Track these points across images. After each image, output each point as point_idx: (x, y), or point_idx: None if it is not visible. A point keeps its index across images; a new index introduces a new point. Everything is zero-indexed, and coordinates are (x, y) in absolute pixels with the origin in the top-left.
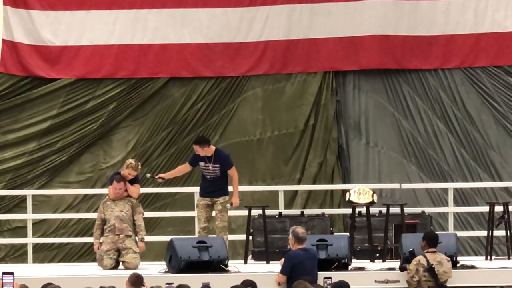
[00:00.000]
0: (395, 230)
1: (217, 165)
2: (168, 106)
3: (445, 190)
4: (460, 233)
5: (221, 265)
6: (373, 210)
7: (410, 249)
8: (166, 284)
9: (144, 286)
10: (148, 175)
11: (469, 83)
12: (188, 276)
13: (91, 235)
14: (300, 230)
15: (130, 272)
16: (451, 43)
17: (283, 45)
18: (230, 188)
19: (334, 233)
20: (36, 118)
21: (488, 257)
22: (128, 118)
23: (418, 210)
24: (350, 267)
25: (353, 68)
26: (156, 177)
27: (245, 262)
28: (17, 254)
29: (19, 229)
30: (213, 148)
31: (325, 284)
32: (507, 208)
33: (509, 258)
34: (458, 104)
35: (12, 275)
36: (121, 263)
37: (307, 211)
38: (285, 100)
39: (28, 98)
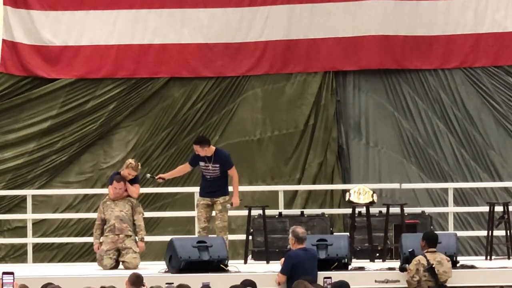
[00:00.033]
0: (395, 230)
1: (217, 165)
2: (168, 106)
3: (445, 190)
4: (460, 233)
5: (221, 265)
6: (373, 210)
7: (410, 250)
8: (166, 284)
9: (144, 286)
10: (148, 175)
11: (469, 83)
12: (188, 276)
13: (91, 235)
14: (300, 230)
15: (130, 272)
16: (451, 43)
17: (283, 45)
18: (230, 188)
19: (334, 233)
20: (36, 118)
21: (488, 257)
22: (128, 118)
23: (418, 210)
24: (350, 267)
25: (353, 68)
26: (156, 177)
27: (245, 262)
28: (17, 254)
29: (19, 229)
30: (213, 148)
31: (325, 284)
32: (507, 208)
33: (509, 258)
34: (458, 104)
35: (12, 275)
36: (121, 263)
37: (307, 211)
38: (285, 100)
39: (28, 98)
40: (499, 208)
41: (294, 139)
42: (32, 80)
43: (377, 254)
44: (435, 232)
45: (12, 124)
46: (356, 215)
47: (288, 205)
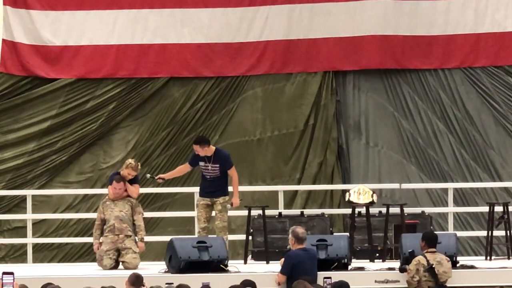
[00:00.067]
0: (395, 230)
1: (217, 165)
2: (168, 106)
3: (445, 190)
4: (460, 233)
5: (221, 265)
6: (373, 210)
7: (410, 250)
8: (166, 284)
9: (144, 286)
10: (148, 175)
11: (469, 83)
12: (188, 276)
13: (91, 235)
14: (300, 230)
15: (130, 272)
16: (451, 43)
17: (283, 45)
18: (230, 188)
19: (334, 233)
20: (36, 118)
21: (488, 257)
22: (128, 118)
23: (418, 210)
24: (350, 267)
25: (353, 68)
26: (156, 177)
27: (245, 262)
28: (17, 254)
29: (19, 229)
30: (213, 148)
31: (325, 284)
32: (507, 208)
33: (509, 258)
34: (458, 104)
35: (12, 275)
36: (121, 263)
37: (307, 211)
38: (285, 100)
39: (28, 98)
40: (499, 208)
41: (294, 139)
42: (32, 80)
43: (377, 254)
44: (435, 232)
45: (12, 124)
46: (356, 215)
47: (288, 205)
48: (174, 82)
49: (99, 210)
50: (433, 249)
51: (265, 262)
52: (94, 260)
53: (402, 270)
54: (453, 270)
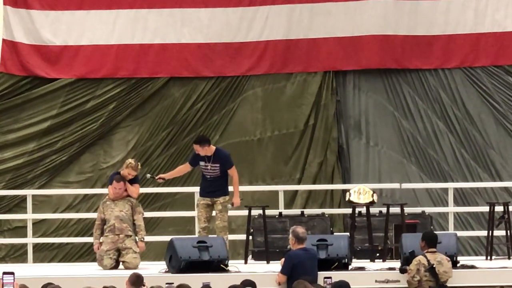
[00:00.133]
0: (395, 230)
1: (217, 165)
2: (168, 106)
3: (445, 190)
4: (460, 233)
5: (221, 265)
6: (373, 210)
7: (410, 250)
8: (166, 284)
9: (144, 286)
10: (148, 175)
11: (469, 83)
12: (188, 276)
13: (91, 235)
14: (300, 230)
15: (130, 272)
16: (451, 43)
17: (283, 45)
18: (230, 188)
19: (334, 233)
20: (36, 118)
21: (488, 257)
22: (128, 118)
23: (418, 210)
24: (350, 267)
25: (353, 68)
26: (156, 177)
27: (245, 262)
28: (17, 254)
29: (19, 229)
30: (213, 147)
31: (325, 284)
32: (507, 208)
33: (509, 258)
34: (458, 104)
35: (12, 275)
36: (121, 263)
37: (307, 211)
38: (285, 100)
39: (28, 98)
40: (499, 208)
41: (294, 139)
42: (32, 80)
43: (377, 254)
44: (435, 232)
45: (12, 124)
46: (356, 215)
47: (288, 205)
48: (174, 82)
49: (99, 210)
50: (434, 249)
51: (265, 262)
52: (94, 260)
53: (402, 271)
54: (453, 270)
